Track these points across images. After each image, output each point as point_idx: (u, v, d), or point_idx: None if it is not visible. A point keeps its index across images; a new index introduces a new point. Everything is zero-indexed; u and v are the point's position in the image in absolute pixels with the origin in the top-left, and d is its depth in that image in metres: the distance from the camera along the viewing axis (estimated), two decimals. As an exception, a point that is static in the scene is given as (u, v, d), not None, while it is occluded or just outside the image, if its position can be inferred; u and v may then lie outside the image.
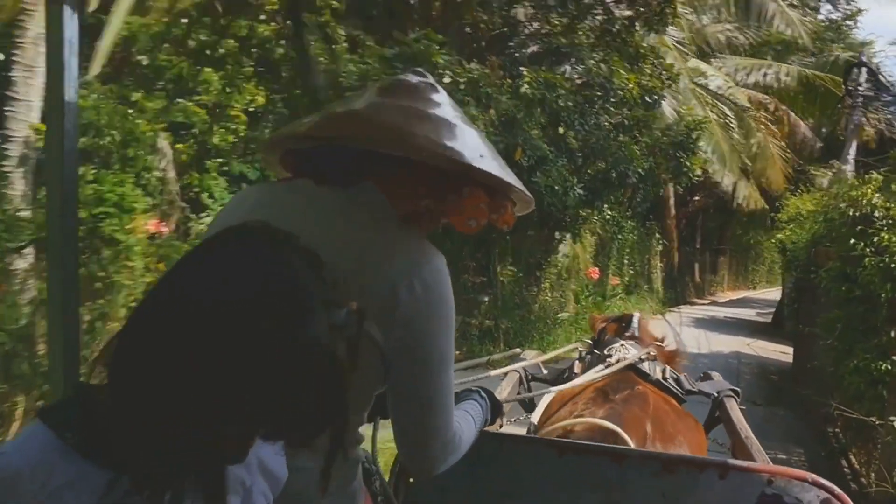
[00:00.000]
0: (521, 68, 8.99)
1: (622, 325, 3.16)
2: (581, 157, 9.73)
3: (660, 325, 11.25)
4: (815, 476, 1.71)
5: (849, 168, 17.21)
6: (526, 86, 8.18)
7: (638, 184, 11.34)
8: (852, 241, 5.87)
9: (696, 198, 24.98)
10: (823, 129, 19.39)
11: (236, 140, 7.90)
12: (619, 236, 16.87)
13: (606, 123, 10.12)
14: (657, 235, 21.11)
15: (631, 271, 18.34)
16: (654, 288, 20.73)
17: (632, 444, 2.08)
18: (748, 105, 17.06)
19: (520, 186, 1.30)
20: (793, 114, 18.11)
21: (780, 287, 18.98)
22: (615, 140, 9.85)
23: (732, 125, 16.06)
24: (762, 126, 17.15)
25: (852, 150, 17.38)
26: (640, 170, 10.17)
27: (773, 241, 11.20)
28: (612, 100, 9.77)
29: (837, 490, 1.67)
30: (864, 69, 16.66)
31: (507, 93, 8.15)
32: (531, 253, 13.16)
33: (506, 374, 2.86)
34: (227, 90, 7.97)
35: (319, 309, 0.81)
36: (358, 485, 1.32)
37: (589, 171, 9.95)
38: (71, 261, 1.51)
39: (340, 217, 1.22)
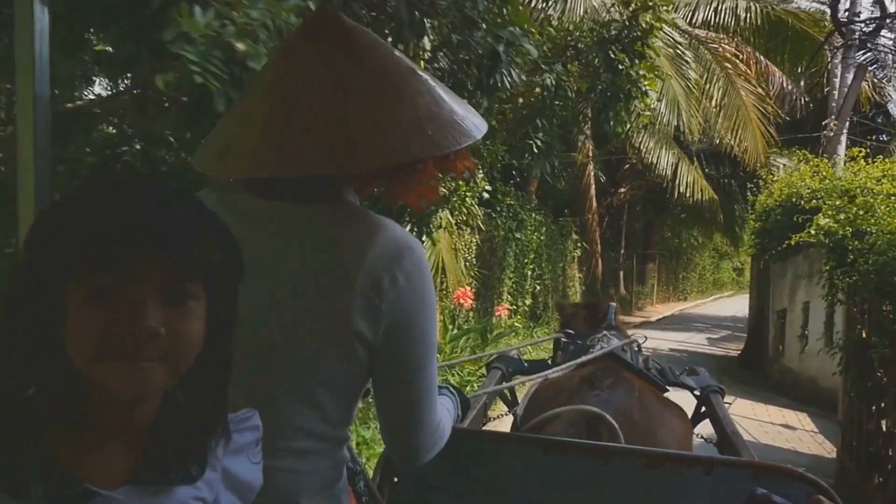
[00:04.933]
0: None
1: (598, 316, 3.12)
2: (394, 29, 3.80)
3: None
4: (802, 471, 1.66)
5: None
6: None
7: (537, 119, 5.56)
8: None
9: (622, 189, 19.66)
10: (802, 83, 14.25)
11: None
12: (518, 235, 11.09)
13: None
14: (574, 236, 15.53)
15: (538, 286, 12.61)
16: (572, 307, 15.15)
17: (618, 430, 2.05)
18: (703, 37, 11.51)
19: (476, 132, 1.16)
20: (763, 58, 12.73)
21: (749, 300, 13.74)
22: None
23: (686, 58, 10.51)
24: (727, 64, 11.63)
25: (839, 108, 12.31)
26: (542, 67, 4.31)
27: (810, 231, 5.53)
28: None
29: (824, 485, 1.62)
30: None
31: None
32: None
33: (488, 372, 2.95)
34: None
35: None
36: (343, 486, 1.23)
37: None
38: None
39: (311, 223, 1.15)
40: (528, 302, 11.80)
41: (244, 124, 1.13)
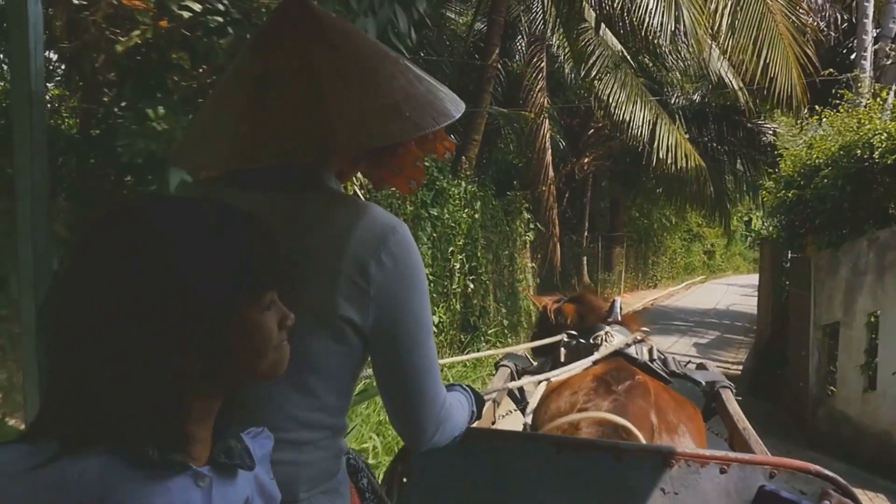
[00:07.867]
0: None
1: (592, 311, 3.13)
2: None
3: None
4: (818, 467, 1.64)
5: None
6: None
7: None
8: None
9: (586, 158, 16.21)
10: None
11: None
12: (435, 212, 7.53)
13: None
14: (526, 215, 12.02)
15: (470, 284, 9.10)
16: (522, 307, 11.55)
17: (642, 439, 2.03)
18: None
19: (454, 111, 1.18)
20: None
21: (758, 299, 10.49)
22: None
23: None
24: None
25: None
26: None
27: None
28: None
29: (842, 481, 1.59)
30: None
31: None
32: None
33: (497, 369, 2.99)
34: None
35: None
36: (343, 478, 1.24)
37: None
38: (45, 270, 1.45)
39: (294, 211, 1.14)
40: (454, 308, 8.27)
41: (220, 117, 1.14)
